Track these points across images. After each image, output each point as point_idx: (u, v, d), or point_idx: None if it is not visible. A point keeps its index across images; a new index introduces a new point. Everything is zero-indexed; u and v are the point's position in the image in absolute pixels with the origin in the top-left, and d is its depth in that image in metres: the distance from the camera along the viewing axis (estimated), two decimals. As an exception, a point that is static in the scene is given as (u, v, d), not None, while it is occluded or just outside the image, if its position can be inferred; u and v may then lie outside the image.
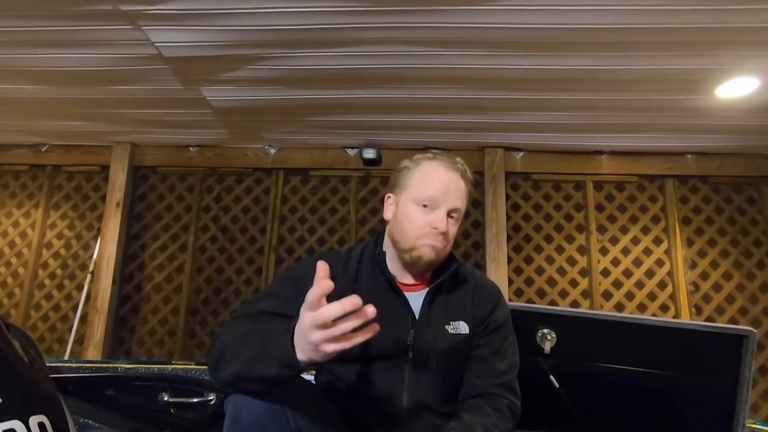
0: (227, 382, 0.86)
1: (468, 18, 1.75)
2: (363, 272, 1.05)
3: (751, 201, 2.76)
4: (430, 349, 0.99)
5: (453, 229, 1.03)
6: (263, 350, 0.80)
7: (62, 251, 3.01)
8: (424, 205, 1.00)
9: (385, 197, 1.09)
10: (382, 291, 1.03)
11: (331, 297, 1.01)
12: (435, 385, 1.00)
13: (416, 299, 1.03)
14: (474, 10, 1.70)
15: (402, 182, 1.06)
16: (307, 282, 0.99)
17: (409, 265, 1.04)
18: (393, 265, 1.06)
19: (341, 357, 0.99)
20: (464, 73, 2.09)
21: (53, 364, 1.38)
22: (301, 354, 0.75)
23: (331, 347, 0.73)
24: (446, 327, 1.02)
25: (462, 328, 1.03)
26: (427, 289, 1.05)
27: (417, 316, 1.02)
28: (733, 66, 1.98)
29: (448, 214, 1.01)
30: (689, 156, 2.80)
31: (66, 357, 2.69)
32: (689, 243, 2.73)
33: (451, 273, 1.05)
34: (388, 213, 1.07)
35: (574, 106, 2.35)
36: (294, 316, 0.95)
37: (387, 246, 1.08)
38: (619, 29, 1.76)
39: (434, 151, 1.08)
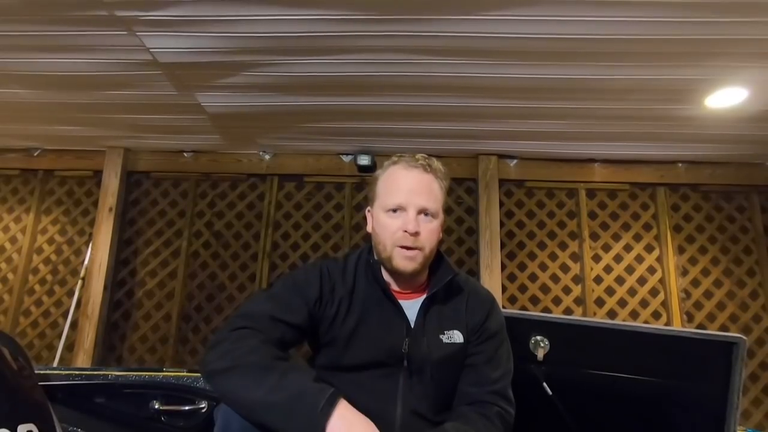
0: (227, 400, 0.85)
1: (463, 27, 1.76)
2: (359, 281, 1.05)
3: (741, 209, 2.79)
4: (425, 358, 0.99)
5: (428, 227, 1.00)
6: (287, 410, 0.78)
7: (53, 257, 2.97)
8: (393, 210, 1.01)
9: (366, 211, 1.11)
10: (378, 299, 1.03)
11: (330, 304, 1.01)
12: (429, 394, 1.00)
13: (411, 308, 1.03)
14: (468, 19, 1.72)
15: (373, 193, 1.07)
16: (310, 291, 1.00)
17: (396, 275, 1.04)
18: (386, 274, 1.06)
19: (335, 365, 1.00)
20: (459, 81, 2.11)
21: (42, 372, 1.36)
22: None
23: None
24: (440, 336, 1.02)
25: (456, 337, 1.03)
26: (422, 297, 1.05)
27: (412, 325, 1.02)
28: (723, 77, 2.01)
29: (419, 213, 1.00)
30: (680, 164, 2.84)
31: (55, 364, 2.65)
32: (680, 250, 2.75)
33: (446, 282, 1.05)
34: (368, 228, 1.09)
35: (568, 114, 2.37)
36: (296, 325, 0.96)
37: None
38: (612, 40, 1.79)
39: (399, 154, 1.08)
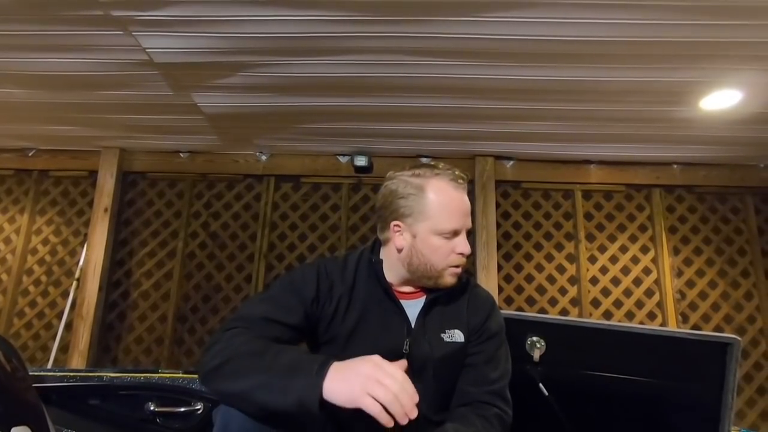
0: (225, 397, 0.84)
1: (460, 29, 1.77)
2: (360, 280, 1.04)
3: (735, 210, 2.81)
4: (426, 357, 0.99)
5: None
6: (283, 382, 0.77)
7: (47, 257, 2.96)
8: (448, 234, 1.00)
9: (392, 225, 1.03)
10: (379, 299, 1.03)
11: (329, 302, 1.01)
12: (429, 394, 0.99)
13: (412, 308, 1.04)
14: (466, 21, 1.73)
15: (414, 210, 1.00)
16: (306, 291, 1.00)
17: (419, 283, 1.05)
18: (390, 274, 1.06)
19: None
20: (455, 82, 2.11)
21: (36, 373, 1.35)
22: (340, 384, 0.74)
23: (382, 393, 0.73)
24: (442, 335, 1.02)
25: (457, 336, 1.03)
26: (423, 298, 1.05)
27: (413, 325, 1.02)
28: (717, 79, 2.02)
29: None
30: (675, 166, 2.86)
31: (49, 366, 2.64)
32: (675, 251, 2.77)
33: None
34: (399, 242, 1.02)
35: (564, 116, 2.38)
36: (292, 325, 0.96)
37: (386, 256, 1.07)
38: (608, 42, 1.80)
39: (431, 164, 1.05)
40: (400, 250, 1.03)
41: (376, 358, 0.77)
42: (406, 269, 1.03)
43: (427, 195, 1.00)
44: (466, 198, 1.03)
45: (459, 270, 1.03)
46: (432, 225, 0.99)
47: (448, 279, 1.02)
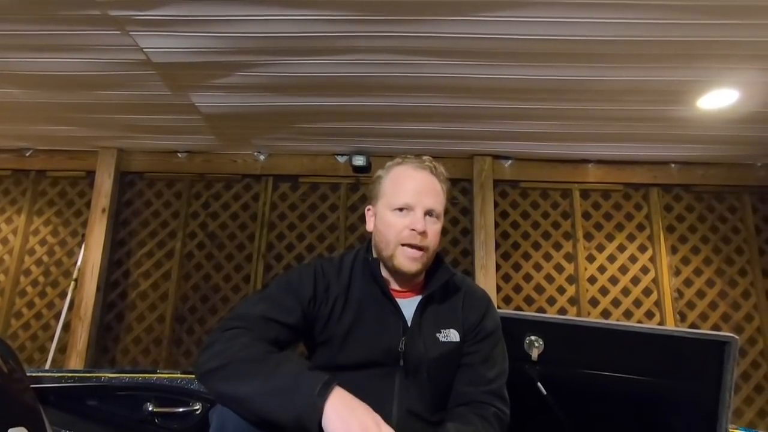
0: (222, 398, 0.84)
1: (458, 28, 1.77)
2: (355, 279, 1.05)
3: (733, 209, 2.82)
4: (421, 357, 0.99)
5: (434, 228, 1.02)
6: (283, 395, 0.77)
7: (45, 258, 2.95)
8: (399, 209, 1.01)
9: (366, 210, 1.11)
10: (375, 298, 1.03)
11: (325, 303, 1.01)
12: (425, 394, 1.00)
13: (408, 306, 1.03)
14: (463, 20, 1.73)
15: (377, 192, 1.08)
16: (303, 291, 1.00)
17: (396, 273, 1.04)
18: (385, 272, 1.06)
19: (331, 364, 1.00)
20: (454, 82, 2.12)
21: (34, 374, 1.35)
22: (339, 422, 0.73)
23: None
24: (437, 335, 1.02)
25: (453, 335, 1.03)
26: (419, 296, 1.05)
27: (408, 324, 1.02)
28: (714, 78, 2.03)
29: (425, 214, 1.01)
30: (673, 165, 2.86)
31: (47, 366, 2.63)
32: (673, 250, 2.78)
33: (444, 282, 1.06)
34: (369, 224, 1.09)
35: (562, 115, 2.38)
36: (290, 325, 0.96)
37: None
38: (606, 41, 1.80)
39: (404, 155, 1.09)
40: (371, 234, 1.08)
41: (378, 417, 0.77)
42: (378, 255, 1.05)
43: (387, 176, 1.07)
44: (427, 178, 1.04)
45: (417, 254, 0.99)
46: (386, 201, 1.04)
47: (402, 260, 1.00)
